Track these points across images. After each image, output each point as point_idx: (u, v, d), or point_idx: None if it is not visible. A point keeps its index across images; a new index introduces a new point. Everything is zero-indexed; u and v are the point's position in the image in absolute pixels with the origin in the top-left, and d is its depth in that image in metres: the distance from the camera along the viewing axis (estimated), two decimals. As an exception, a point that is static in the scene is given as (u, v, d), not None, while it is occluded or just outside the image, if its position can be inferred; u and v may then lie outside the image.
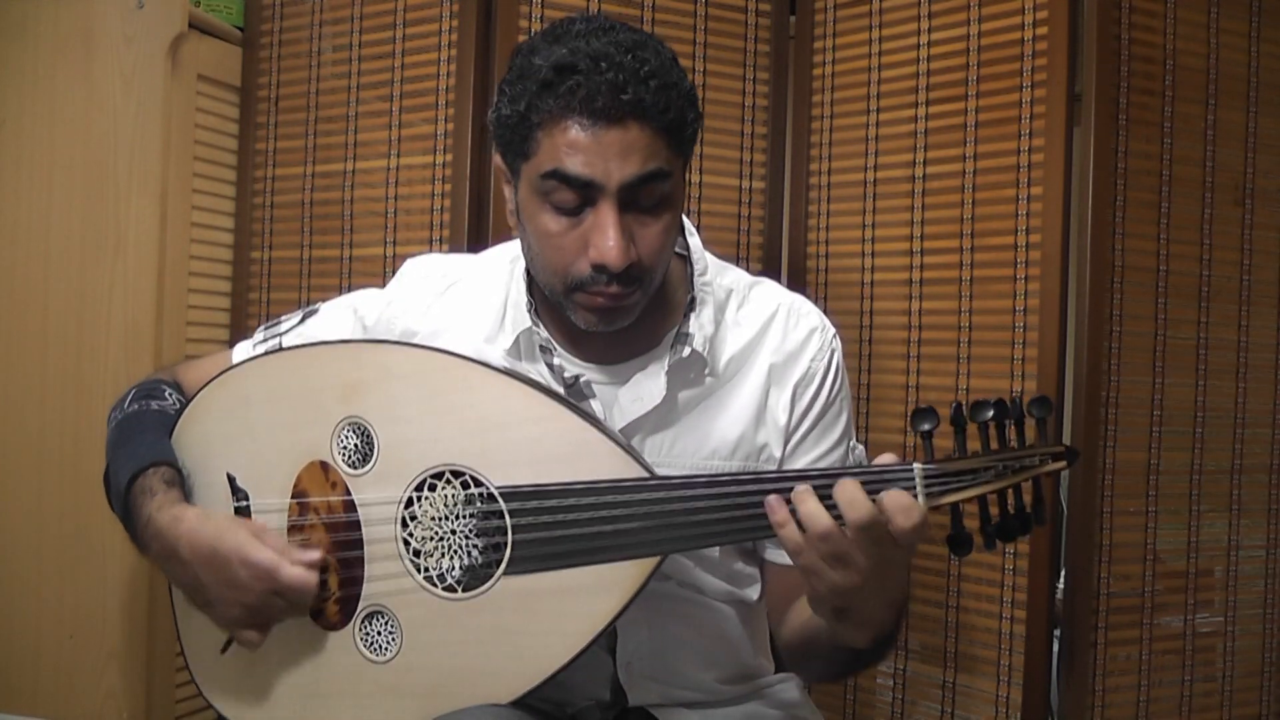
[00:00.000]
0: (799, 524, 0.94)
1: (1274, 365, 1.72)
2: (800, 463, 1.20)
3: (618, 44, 1.04)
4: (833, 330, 1.24)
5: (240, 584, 1.06)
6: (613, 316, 1.11)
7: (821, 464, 1.20)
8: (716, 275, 1.22)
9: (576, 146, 1.03)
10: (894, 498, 0.92)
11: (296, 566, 1.06)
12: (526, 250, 1.15)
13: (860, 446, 1.25)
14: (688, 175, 1.71)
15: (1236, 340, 1.69)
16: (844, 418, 1.23)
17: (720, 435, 1.17)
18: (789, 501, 0.95)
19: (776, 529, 0.95)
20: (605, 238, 1.04)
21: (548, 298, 1.15)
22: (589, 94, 1.02)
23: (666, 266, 1.14)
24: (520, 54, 1.09)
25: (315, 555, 1.08)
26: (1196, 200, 1.65)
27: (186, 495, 1.14)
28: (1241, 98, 1.68)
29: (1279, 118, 1.70)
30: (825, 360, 1.21)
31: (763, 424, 1.19)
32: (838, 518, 0.92)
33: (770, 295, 1.24)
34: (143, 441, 1.16)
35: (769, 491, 0.96)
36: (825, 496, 0.94)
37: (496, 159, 1.14)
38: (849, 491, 0.92)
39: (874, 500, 0.92)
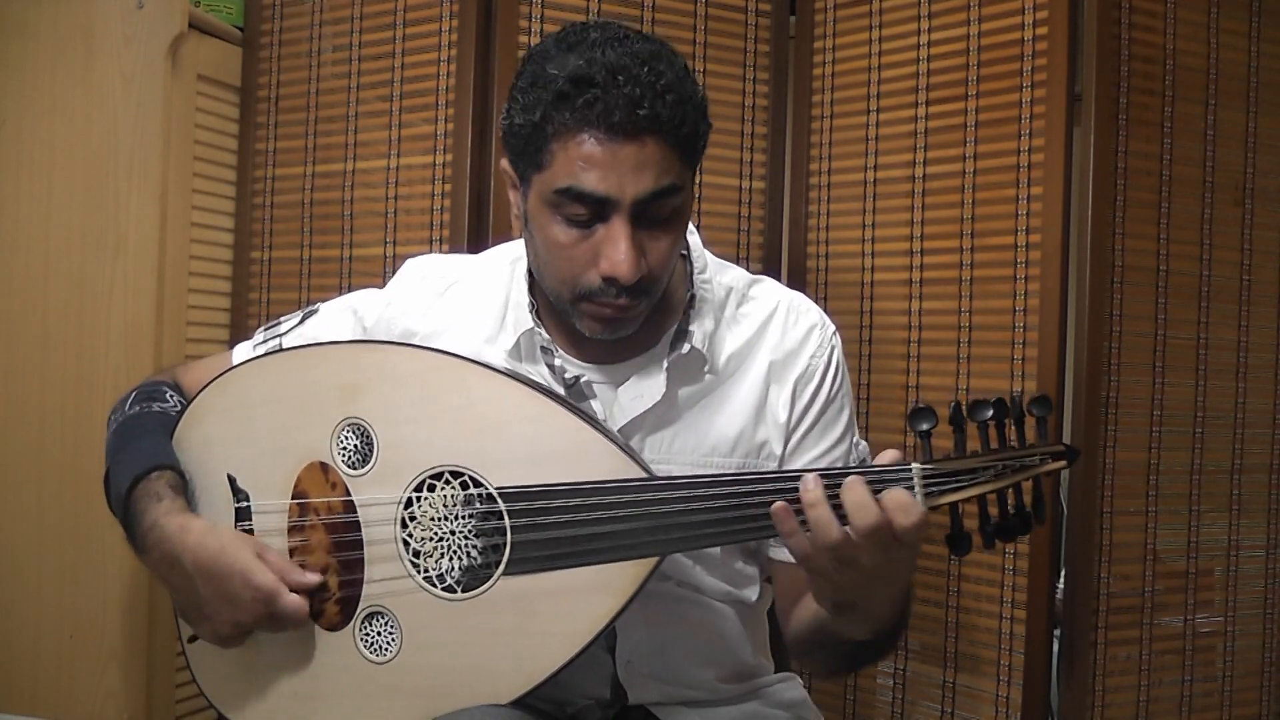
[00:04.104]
0: (805, 526, 0.94)
1: (1274, 365, 1.72)
2: (802, 460, 1.20)
3: (634, 55, 1.03)
4: (832, 327, 1.24)
5: (238, 602, 1.07)
6: (618, 326, 1.11)
7: (823, 461, 1.20)
8: (716, 273, 1.22)
9: (592, 161, 1.03)
10: (894, 497, 0.92)
11: (294, 596, 1.07)
12: (533, 257, 1.15)
13: (863, 443, 1.25)
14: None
15: (1236, 340, 1.69)
16: (845, 414, 1.23)
17: (720, 433, 1.17)
18: (795, 506, 0.94)
19: (785, 537, 0.95)
20: (618, 252, 1.04)
21: (551, 302, 1.15)
22: (606, 108, 1.01)
23: (672, 275, 1.14)
24: (533, 60, 1.08)
25: (314, 579, 1.09)
26: (1196, 200, 1.65)
27: (189, 499, 1.15)
28: (1241, 98, 1.68)
29: (1279, 118, 1.70)
30: (825, 357, 1.21)
31: (762, 421, 1.19)
32: (842, 518, 0.93)
33: (770, 293, 1.24)
34: (144, 444, 1.17)
35: (769, 491, 0.96)
36: (830, 497, 0.94)
37: (504, 164, 1.13)
38: (858, 495, 0.92)
39: (877, 502, 0.92)
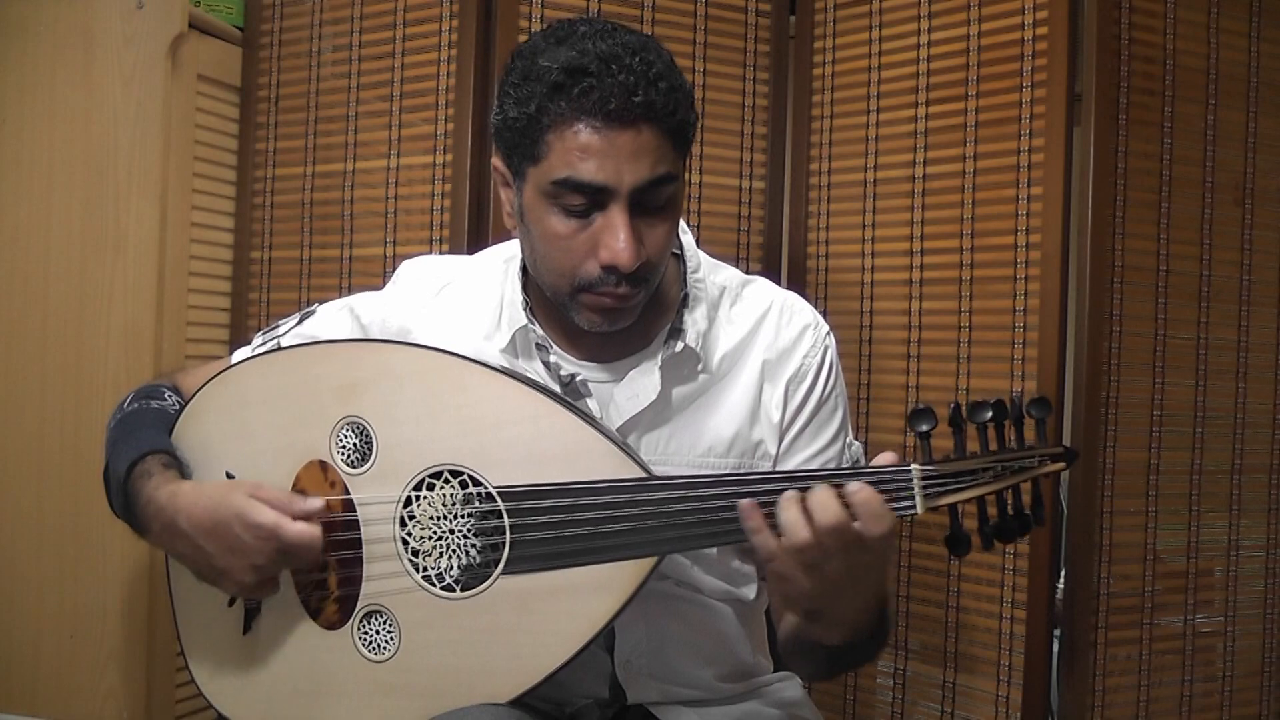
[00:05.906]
0: (775, 529, 0.94)
1: (1274, 365, 1.72)
2: (795, 460, 1.20)
3: (624, 45, 1.04)
4: (826, 327, 1.24)
5: (246, 548, 1.06)
6: (617, 316, 1.11)
7: (816, 461, 1.20)
8: (710, 273, 1.23)
9: (589, 150, 1.03)
10: (865, 501, 0.91)
11: (298, 522, 1.06)
12: (529, 251, 1.14)
13: (857, 444, 1.25)
14: (687, 175, 1.73)
15: (1236, 340, 1.69)
16: (839, 414, 1.23)
17: (715, 432, 1.17)
18: (768, 505, 0.95)
19: (750, 535, 0.95)
20: (618, 240, 1.05)
21: (548, 297, 1.15)
22: (602, 96, 1.02)
23: (665, 272, 1.15)
24: (522, 56, 1.09)
25: (316, 504, 1.08)
26: (1196, 200, 1.65)
27: (183, 477, 1.14)
28: (1241, 98, 1.68)
29: (1279, 118, 1.70)
30: (819, 357, 1.21)
31: (757, 421, 1.19)
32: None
33: (763, 293, 1.24)
34: (140, 435, 1.17)
35: (767, 491, 0.96)
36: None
37: (496, 161, 1.14)
38: (820, 496, 0.92)
39: (848, 504, 0.92)
